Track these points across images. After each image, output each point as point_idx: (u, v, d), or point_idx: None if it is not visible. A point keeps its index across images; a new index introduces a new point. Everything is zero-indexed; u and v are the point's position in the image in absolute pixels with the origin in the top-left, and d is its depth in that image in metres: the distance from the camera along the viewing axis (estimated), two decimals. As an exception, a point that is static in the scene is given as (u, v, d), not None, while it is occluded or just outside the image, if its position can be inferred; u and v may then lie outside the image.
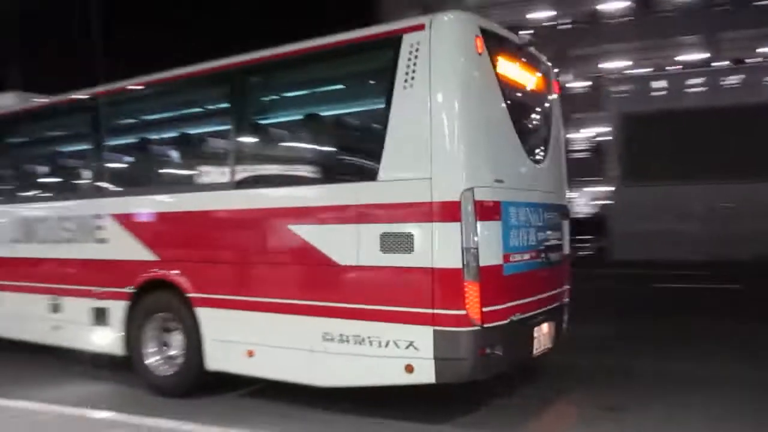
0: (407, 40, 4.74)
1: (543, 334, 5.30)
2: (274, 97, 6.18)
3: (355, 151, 5.34)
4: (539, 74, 5.84)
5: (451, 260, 4.44)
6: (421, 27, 4.72)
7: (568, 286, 6.04)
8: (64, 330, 6.82)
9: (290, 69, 5.76)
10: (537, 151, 5.56)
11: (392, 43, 4.81)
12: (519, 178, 5.14)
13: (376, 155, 4.78)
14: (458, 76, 4.65)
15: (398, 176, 4.72)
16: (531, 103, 5.87)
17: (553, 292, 5.63)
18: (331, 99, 5.85)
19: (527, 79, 5.59)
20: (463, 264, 4.41)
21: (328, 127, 5.59)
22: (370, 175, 4.82)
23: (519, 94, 5.46)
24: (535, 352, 5.19)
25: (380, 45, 5.02)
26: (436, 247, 4.49)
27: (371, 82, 5.46)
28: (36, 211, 7.43)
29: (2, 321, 7.56)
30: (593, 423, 4.91)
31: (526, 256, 5.10)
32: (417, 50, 4.68)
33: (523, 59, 5.47)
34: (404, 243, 4.62)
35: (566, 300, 5.98)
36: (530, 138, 5.55)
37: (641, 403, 5.23)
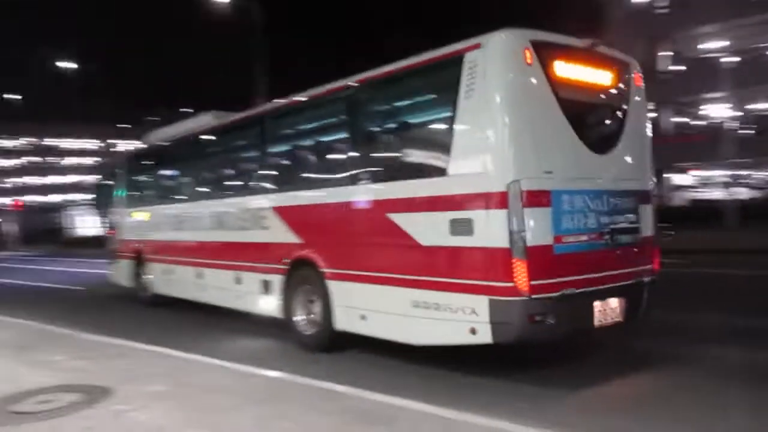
0: (468, 57, 5.83)
1: (610, 308, 6.06)
2: (376, 108, 7.52)
3: (432, 151, 6.41)
4: (610, 71, 6.56)
5: (501, 241, 5.45)
6: (477, 46, 5.79)
7: (648, 266, 6.63)
8: (244, 298, 9.18)
9: (386, 86, 7.14)
10: (603, 142, 6.32)
11: (457, 61, 5.91)
12: (575, 168, 5.96)
13: (447, 155, 5.98)
14: (506, 85, 5.63)
15: (462, 171, 5.85)
16: (597, 99, 6.56)
17: (624, 270, 6.27)
18: (415, 109, 7.14)
19: (593, 77, 6.37)
20: (511, 244, 5.41)
21: (413, 132, 6.93)
22: (442, 171, 6.03)
23: (580, 93, 6.21)
24: (597, 324, 5.95)
25: (448, 63, 6.05)
26: (490, 230, 5.53)
27: (443, 94, 6.27)
28: (223, 206, 9.88)
29: (205, 291, 10.33)
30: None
31: (584, 238, 5.92)
32: (475, 66, 5.74)
33: (587, 60, 6.30)
34: (467, 227, 5.70)
35: (645, 279, 6.54)
36: (594, 131, 6.36)
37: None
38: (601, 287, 6.00)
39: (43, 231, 57.19)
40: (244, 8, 30.20)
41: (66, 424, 5.10)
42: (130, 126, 75.96)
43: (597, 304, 5.96)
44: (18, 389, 6.18)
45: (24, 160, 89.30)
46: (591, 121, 6.46)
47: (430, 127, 6.86)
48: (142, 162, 13.73)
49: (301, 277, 7.86)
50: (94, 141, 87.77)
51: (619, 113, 6.65)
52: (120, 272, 13.83)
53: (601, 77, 6.49)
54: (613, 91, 6.65)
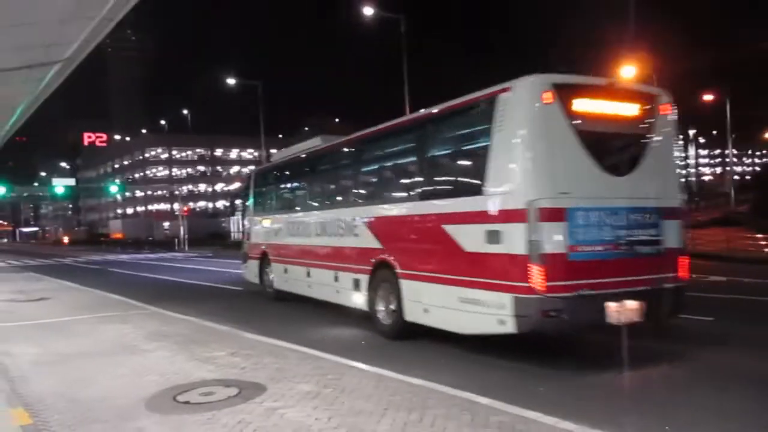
0: (500, 98, 7.13)
1: (627, 309, 6.79)
2: (434, 138, 9.05)
3: (473, 174, 7.69)
4: (632, 103, 7.57)
5: (521, 249, 6.67)
6: (508, 89, 7.11)
7: (671, 274, 7.42)
8: (341, 293, 10.88)
9: (442, 120, 8.79)
10: (622, 166, 7.31)
11: (492, 101, 7.24)
12: (591, 189, 6.99)
13: (483, 177, 7.30)
14: (528, 122, 6.87)
15: (493, 191, 7.14)
16: (616, 128, 7.50)
17: (642, 277, 7.11)
18: (462, 139, 8.46)
19: (611, 109, 7.36)
20: (529, 251, 6.59)
21: (461, 157, 8.50)
22: (479, 191, 7.36)
23: (598, 124, 7.23)
24: (610, 321, 6.74)
25: (486, 102, 7.40)
26: (513, 239, 6.78)
27: (482, 127, 7.49)
28: (325, 216, 11.68)
29: (307, 286, 12.31)
30: None
31: (599, 248, 6.91)
32: (506, 105, 7.04)
33: (607, 95, 7.35)
34: (497, 237, 7.00)
35: (667, 285, 7.30)
36: (612, 157, 7.39)
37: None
38: (617, 290, 6.87)
39: (209, 234, 62.38)
40: (392, 20, 30.95)
41: (223, 416, 5.49)
42: (282, 136, 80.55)
43: (612, 305, 6.73)
44: (184, 380, 6.79)
45: (192, 169, 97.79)
46: (609, 148, 7.49)
47: (472, 154, 8.00)
48: (266, 177, 15.95)
49: (382, 276, 9.43)
50: (252, 150, 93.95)
51: (640, 140, 7.54)
52: (250, 271, 16.00)
53: (621, 109, 7.47)
54: (634, 120, 7.57)
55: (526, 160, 6.83)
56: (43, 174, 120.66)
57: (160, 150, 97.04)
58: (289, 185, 14.82)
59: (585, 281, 6.77)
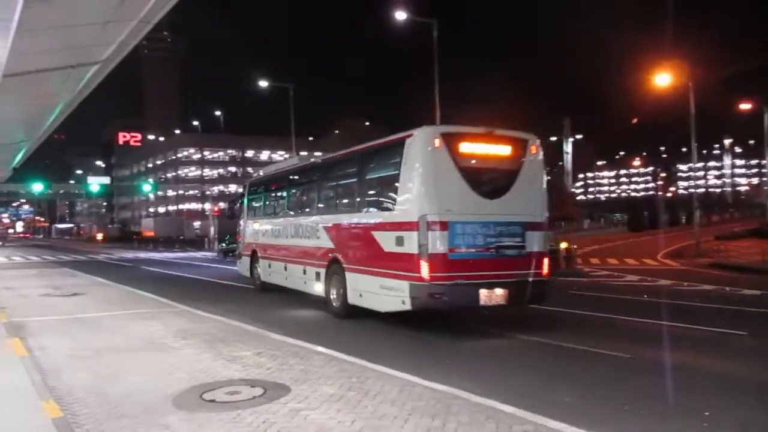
0: (406, 141, 9.70)
1: (495, 295, 9.44)
2: (363, 167, 11.67)
3: (390, 195, 10.25)
4: (505, 145, 10.18)
5: (415, 249, 9.17)
6: (411, 135, 9.73)
7: (534, 271, 9.86)
8: (307, 283, 13.38)
9: (370, 154, 11.65)
10: (494, 192, 9.82)
11: (402, 143, 9.82)
12: (467, 208, 9.47)
13: (395, 198, 9.97)
14: (422, 160, 9.40)
15: (400, 208, 9.77)
16: (491, 164, 10.11)
17: (508, 272, 9.59)
18: (382, 168, 11.04)
19: (487, 150, 10.03)
20: (420, 252, 9.12)
21: (383, 182, 10.86)
22: (393, 207, 10.05)
23: (475, 161, 9.89)
24: (482, 303, 9.40)
25: (398, 144, 9.99)
26: (411, 243, 9.28)
27: (394, 161, 10.10)
28: (295, 221, 14.40)
29: (284, 278, 14.95)
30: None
31: (472, 250, 9.40)
32: (409, 146, 9.60)
33: (484, 140, 10.05)
34: (402, 241, 9.60)
35: (530, 279, 9.77)
36: (487, 185, 9.90)
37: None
38: (487, 281, 9.42)
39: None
40: (425, 25, 30.97)
41: (247, 416, 5.54)
42: (313, 138, 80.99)
43: (484, 291, 9.38)
44: (211, 379, 6.86)
45: (223, 170, 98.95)
46: (483, 178, 9.98)
47: (388, 180, 10.56)
48: (256, 187, 18.76)
49: (334, 270, 11.92)
50: (282, 152, 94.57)
51: (511, 173, 10.07)
52: (243, 266, 18.61)
53: (495, 150, 10.11)
54: (506, 158, 10.14)
55: (420, 186, 9.47)
56: (78, 172, 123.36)
57: (192, 150, 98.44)
58: (272, 195, 17.58)
59: (461, 274, 9.35)
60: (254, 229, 17.86)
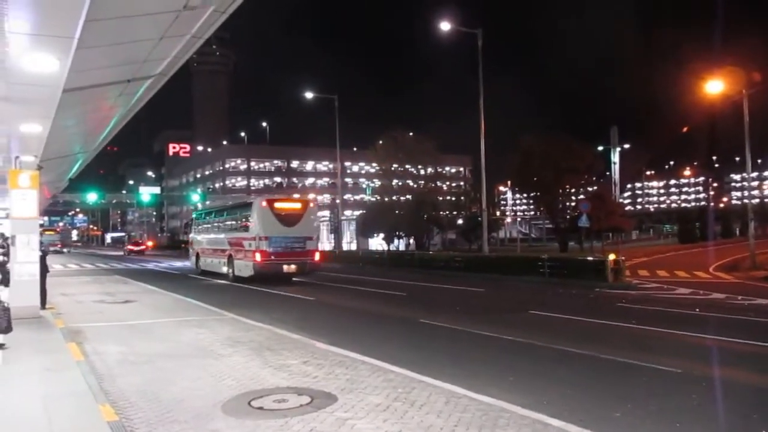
0: (254, 203, 24.63)
1: (290, 268, 23.34)
2: (239, 211, 26.43)
3: (249, 227, 24.19)
4: (299, 203, 25.37)
5: (255, 248, 23.11)
6: (254, 201, 25.07)
7: (310, 258, 23.77)
8: (220, 267, 26.82)
9: (240, 207, 27.04)
10: (291, 225, 23.52)
11: (250, 204, 25.17)
12: (278, 232, 23.22)
13: (250, 227, 24.12)
14: (258, 211, 23.61)
15: (251, 231, 23.81)
16: (292, 212, 23.97)
17: (295, 258, 23.37)
18: (244, 214, 25.39)
19: (290, 206, 24.44)
20: (257, 249, 22.98)
21: (246, 222, 24.71)
22: (250, 232, 24.01)
23: (284, 212, 23.75)
24: (285, 271, 23.34)
25: (250, 204, 25.11)
26: (253, 245, 23.24)
27: (249, 212, 24.50)
28: (215, 236, 28.43)
29: (210, 265, 28.41)
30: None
31: (279, 248, 23.15)
32: (254, 205, 24.18)
33: (288, 201, 26.26)
34: (251, 244, 23.46)
35: (308, 261, 23.61)
36: (290, 222, 23.54)
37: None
38: (285, 261, 23.11)
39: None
40: (470, 35, 30.91)
41: (294, 424, 5.62)
42: (357, 149, 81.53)
43: (284, 265, 23.09)
44: (259, 386, 6.99)
45: (269, 180, 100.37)
46: (286, 219, 23.45)
47: (249, 219, 24.25)
48: (197, 217, 32.95)
49: (230, 259, 25.40)
50: (327, 162, 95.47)
51: (301, 215, 23.94)
52: (192, 261, 31.74)
53: (292, 205, 24.62)
54: (299, 209, 24.24)
55: (257, 221, 23.25)
56: (131, 182, 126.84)
57: (239, 161, 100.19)
58: (205, 222, 30.84)
59: (274, 258, 22.84)
60: (197, 239, 31.27)
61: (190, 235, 32.65)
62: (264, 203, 23.41)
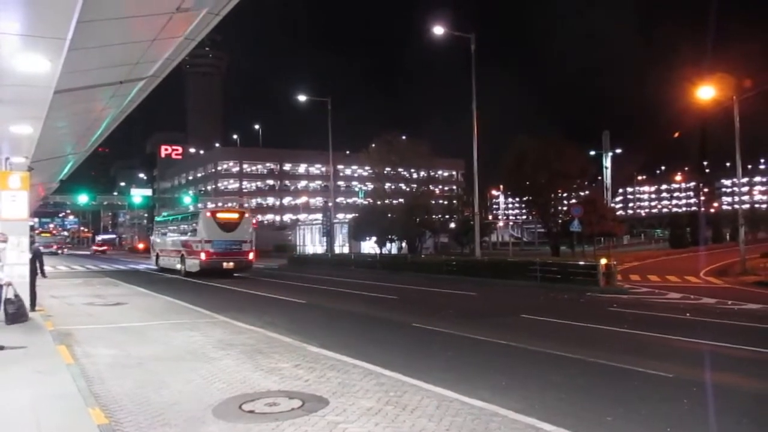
0: (200, 213, 31.26)
1: (229, 265, 29.45)
2: (190, 218, 32.60)
3: (197, 231, 30.14)
4: (237, 213, 32.97)
5: (201, 248, 29.23)
6: (200, 211, 32.85)
7: (246, 257, 30.36)
8: (174, 264, 32.61)
9: (188, 215, 34.17)
10: (230, 231, 29.86)
11: (197, 213, 32.41)
12: (219, 236, 29.51)
13: (197, 231, 30.08)
14: (203, 219, 30.00)
15: (199, 235, 29.68)
16: (231, 221, 30.47)
17: (233, 257, 29.81)
18: (193, 221, 31.51)
19: (229, 216, 31.29)
20: (203, 249, 29.31)
21: (194, 227, 30.69)
22: (198, 235, 29.86)
23: (224, 220, 30.29)
24: (224, 267, 29.23)
25: (197, 213, 32.58)
26: (200, 247, 29.38)
27: (197, 219, 30.67)
28: (171, 239, 34.61)
29: (167, 263, 34.04)
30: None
31: (220, 250, 29.38)
32: (201, 214, 30.85)
33: (228, 211, 36.76)
34: (198, 246, 29.57)
35: (244, 259, 30.24)
36: (229, 229, 29.93)
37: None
38: (225, 259, 29.40)
39: (276, 247, 63.80)
40: (463, 39, 30.99)
41: (286, 427, 5.60)
42: (349, 152, 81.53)
43: (224, 263, 29.23)
44: (250, 390, 6.96)
45: (262, 183, 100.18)
46: (226, 225, 29.90)
47: (195, 224, 30.58)
48: (159, 221, 39.26)
49: (183, 257, 31.12)
50: (320, 165, 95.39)
51: (238, 222, 30.51)
52: (153, 260, 37.32)
53: (231, 215, 31.54)
54: (237, 218, 31.08)
55: (202, 228, 29.40)
56: (122, 184, 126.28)
57: (231, 163, 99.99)
58: (164, 227, 36.61)
59: (216, 257, 29.04)
60: (157, 242, 37.11)
61: (151, 238, 40.26)
62: (208, 213, 30.50)
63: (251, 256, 30.39)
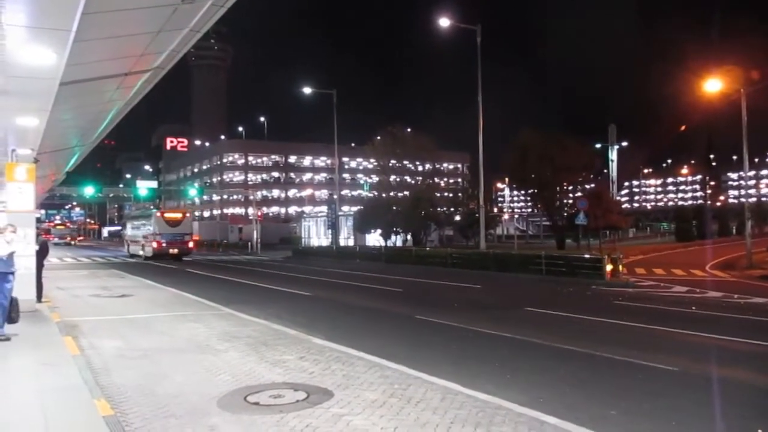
0: (153, 213, 42.18)
1: (173, 251, 39.40)
2: (146, 218, 43.38)
3: (151, 227, 40.56)
4: (179, 214, 43.43)
5: (154, 239, 39.53)
6: (154, 213, 42.78)
7: (187, 246, 40.59)
8: (138, 251, 42.84)
9: (143, 214, 46.62)
10: (175, 226, 40.08)
11: (151, 213, 43.42)
12: (167, 230, 39.52)
13: (151, 228, 40.42)
14: (155, 219, 40.41)
15: (152, 231, 40.26)
16: (176, 219, 40.92)
17: (176, 246, 39.52)
18: (147, 221, 42.30)
19: (174, 215, 42.02)
20: (155, 240, 39.20)
21: (149, 224, 41.33)
22: (151, 229, 40.41)
23: (171, 219, 40.67)
24: (170, 253, 39.21)
25: (151, 213, 43.58)
26: (155, 238, 40.01)
27: (150, 218, 41.73)
28: (136, 232, 45.13)
29: (134, 250, 44.44)
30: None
31: (167, 240, 39.13)
32: (154, 215, 41.27)
33: (172, 212, 44.77)
34: (154, 237, 39.51)
35: (185, 247, 40.46)
36: (174, 225, 40.13)
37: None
38: (171, 246, 39.15)
39: (281, 239, 63.92)
40: (469, 32, 30.87)
41: (291, 419, 5.61)
42: (355, 144, 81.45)
43: (170, 250, 39.07)
44: (255, 382, 6.98)
45: (267, 175, 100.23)
46: (172, 223, 40.00)
47: (150, 220, 40.98)
48: (130, 217, 53.61)
49: (143, 244, 41.40)
50: (325, 158, 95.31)
51: (181, 220, 41.02)
52: (126, 249, 47.14)
53: (176, 215, 42.30)
54: (180, 217, 41.70)
55: (154, 225, 39.72)
56: (128, 176, 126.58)
57: (237, 156, 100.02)
58: (133, 223, 47.51)
59: (164, 246, 38.76)
60: (129, 234, 47.11)
61: (123, 230, 56.67)
62: (159, 214, 40.95)
63: (191, 244, 41.58)
